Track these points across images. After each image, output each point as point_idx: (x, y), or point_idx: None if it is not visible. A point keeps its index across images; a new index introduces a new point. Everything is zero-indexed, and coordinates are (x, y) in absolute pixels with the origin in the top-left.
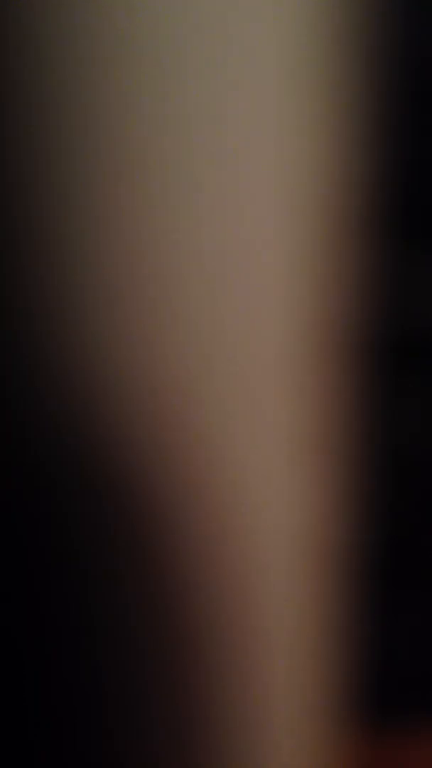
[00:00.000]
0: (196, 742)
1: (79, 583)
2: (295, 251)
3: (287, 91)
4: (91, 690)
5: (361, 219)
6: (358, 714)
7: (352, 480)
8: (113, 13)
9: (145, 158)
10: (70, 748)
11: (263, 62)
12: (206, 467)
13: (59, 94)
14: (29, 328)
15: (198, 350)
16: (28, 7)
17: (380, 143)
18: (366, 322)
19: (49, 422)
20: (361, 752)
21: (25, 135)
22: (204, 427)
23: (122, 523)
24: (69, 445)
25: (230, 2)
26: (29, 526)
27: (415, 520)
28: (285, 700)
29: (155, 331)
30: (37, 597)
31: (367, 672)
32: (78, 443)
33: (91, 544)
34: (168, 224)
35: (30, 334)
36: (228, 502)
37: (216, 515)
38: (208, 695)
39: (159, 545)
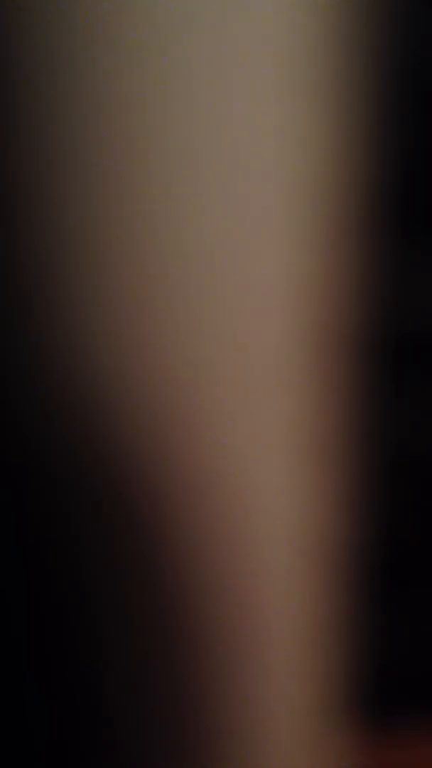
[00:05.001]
0: (196, 741)
1: (80, 583)
2: (295, 252)
3: (287, 91)
4: (93, 689)
5: (362, 219)
6: (358, 714)
7: (353, 479)
8: (114, 14)
9: (145, 159)
10: (71, 746)
11: (263, 62)
12: (206, 467)
13: (59, 91)
14: (30, 329)
15: (198, 350)
16: (29, 7)
17: (381, 143)
18: (366, 322)
19: (49, 422)
20: (361, 752)
21: (26, 132)
22: (204, 427)
23: (123, 522)
24: (70, 446)
25: (230, 2)
26: (29, 526)
27: (415, 520)
28: (285, 699)
29: (155, 332)
30: (38, 597)
31: (367, 671)
32: (78, 444)
33: (92, 543)
34: (168, 224)
35: (30, 334)
36: (228, 501)
37: (216, 514)
38: (208, 694)
39: (159, 544)
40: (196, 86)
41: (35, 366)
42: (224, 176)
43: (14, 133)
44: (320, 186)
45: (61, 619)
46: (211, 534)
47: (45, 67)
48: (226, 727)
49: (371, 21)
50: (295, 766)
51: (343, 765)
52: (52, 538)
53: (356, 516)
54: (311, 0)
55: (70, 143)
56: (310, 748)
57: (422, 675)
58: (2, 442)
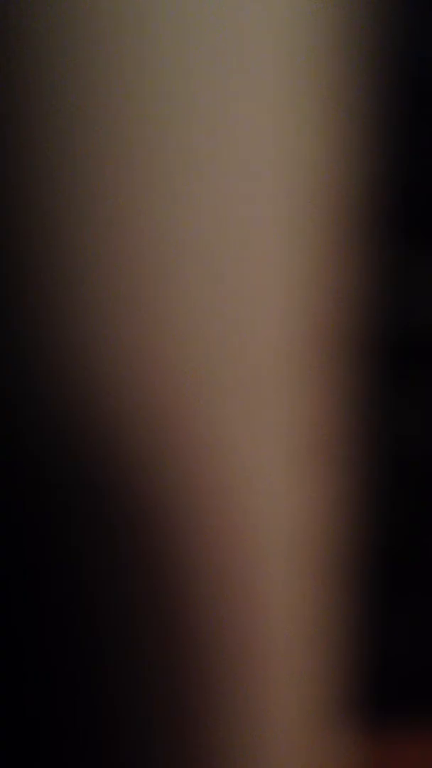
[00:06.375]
0: (194, 740)
1: (79, 583)
2: (295, 252)
3: (286, 91)
4: (92, 691)
5: (361, 219)
6: (358, 713)
7: (353, 479)
8: (113, 13)
9: (145, 160)
10: (70, 745)
11: (263, 63)
12: (206, 467)
13: (59, 90)
14: (30, 329)
15: (198, 350)
16: (28, 4)
17: (380, 143)
18: (366, 322)
19: (48, 423)
20: (361, 752)
21: (26, 131)
22: (204, 426)
23: (123, 521)
24: (69, 446)
25: (230, 2)
26: (29, 526)
27: (415, 520)
28: (284, 699)
29: (155, 332)
30: (37, 598)
31: (367, 671)
32: (78, 445)
33: (92, 544)
34: (168, 224)
35: (30, 333)
36: (228, 501)
37: (216, 514)
38: (207, 694)
39: (159, 545)
40: (195, 87)
41: (35, 366)
42: (223, 177)
43: (14, 132)
44: (320, 186)
45: (60, 621)
46: (212, 534)
47: (45, 66)
48: (226, 726)
49: (371, 20)
50: (294, 765)
51: (343, 765)
52: (51, 539)
53: (357, 516)
54: (311, 1)
55: (71, 144)
56: (310, 747)
57: (422, 674)
58: (2, 442)
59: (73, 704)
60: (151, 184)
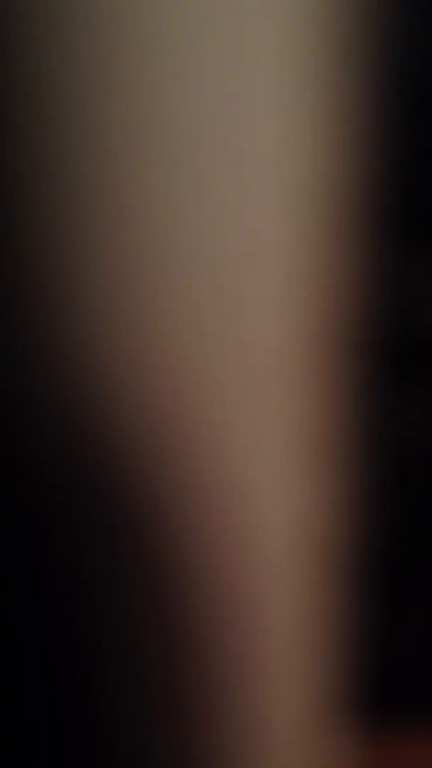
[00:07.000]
0: (194, 740)
1: (79, 583)
2: (295, 251)
3: (286, 91)
4: (90, 693)
5: (362, 219)
6: (358, 713)
7: (353, 480)
8: (113, 13)
9: (145, 160)
10: (70, 745)
11: (262, 63)
12: (207, 467)
13: (59, 89)
14: (29, 329)
15: (198, 351)
16: (28, 3)
17: (380, 143)
18: (366, 322)
19: (48, 423)
20: (361, 752)
21: (24, 128)
22: (204, 426)
23: (123, 521)
24: (69, 446)
25: (229, 2)
26: (29, 526)
27: (415, 520)
28: (284, 699)
29: (155, 332)
30: (38, 596)
31: (367, 671)
32: (78, 444)
33: (92, 544)
34: (167, 223)
35: (29, 333)
36: (228, 501)
37: (216, 515)
38: (207, 694)
39: (159, 545)
40: (195, 86)
41: (35, 366)
42: (223, 177)
43: (14, 132)
44: (320, 186)
45: (60, 621)
46: (212, 535)
47: (45, 66)
48: (226, 726)
49: (371, 20)
50: (294, 765)
51: (343, 765)
52: (51, 539)
53: (357, 516)
54: (311, 2)
55: (71, 144)
56: (310, 747)
57: (422, 675)
58: (2, 442)
59: (73, 704)
60: (151, 184)
